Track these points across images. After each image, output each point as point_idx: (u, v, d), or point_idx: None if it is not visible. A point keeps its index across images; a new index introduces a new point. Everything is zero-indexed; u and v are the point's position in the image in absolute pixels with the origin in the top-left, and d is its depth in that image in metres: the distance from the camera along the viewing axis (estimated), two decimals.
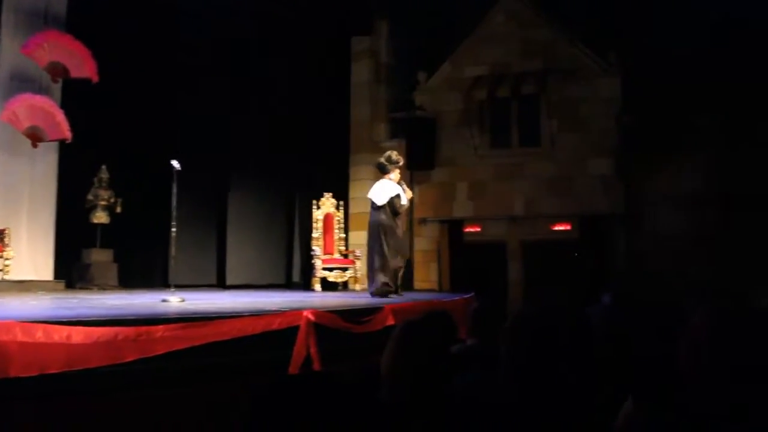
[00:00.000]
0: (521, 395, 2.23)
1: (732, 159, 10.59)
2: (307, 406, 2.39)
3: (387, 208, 8.38)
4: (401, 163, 8.74)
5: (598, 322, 3.64)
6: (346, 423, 2.33)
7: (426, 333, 2.16)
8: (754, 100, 10.24)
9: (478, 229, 12.23)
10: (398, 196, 8.39)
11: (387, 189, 8.46)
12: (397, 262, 8.37)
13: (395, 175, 8.57)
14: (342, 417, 2.45)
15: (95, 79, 9.42)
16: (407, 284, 11.34)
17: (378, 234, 8.34)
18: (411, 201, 9.18)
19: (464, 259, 12.23)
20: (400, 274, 8.56)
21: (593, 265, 11.20)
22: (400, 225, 8.52)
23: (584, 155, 11.55)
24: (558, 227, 11.65)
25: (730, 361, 1.48)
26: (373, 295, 8.23)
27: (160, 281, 10.90)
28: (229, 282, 11.17)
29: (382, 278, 8.20)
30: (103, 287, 9.49)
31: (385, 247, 8.25)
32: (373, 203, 8.51)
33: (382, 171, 8.72)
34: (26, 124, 9.17)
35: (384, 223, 8.33)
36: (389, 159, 8.66)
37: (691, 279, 9.81)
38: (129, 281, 10.36)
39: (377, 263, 8.27)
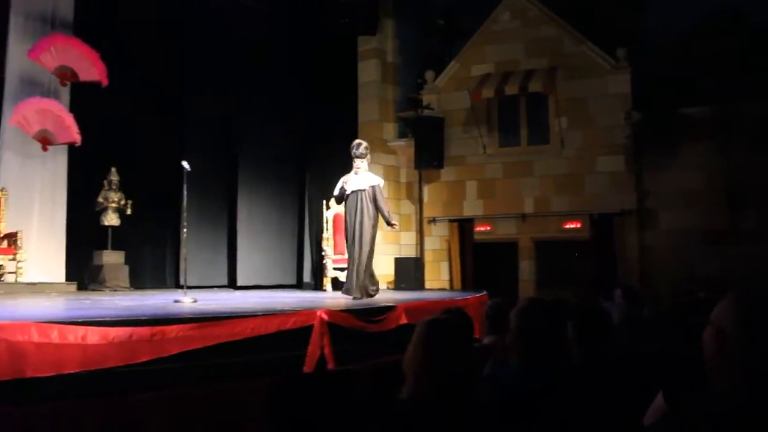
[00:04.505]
0: (534, 391, 2.22)
1: (739, 155, 10.53)
2: (326, 404, 2.38)
3: None
4: (353, 152, 8.04)
5: (615, 318, 3.64)
6: (367, 421, 2.32)
7: (452, 331, 2.14)
8: (761, 95, 10.19)
9: (488, 228, 12.19)
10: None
11: None
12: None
13: (356, 164, 8.02)
14: (362, 415, 2.45)
15: (105, 82, 9.43)
16: (419, 283, 11.33)
17: None
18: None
19: (475, 258, 12.19)
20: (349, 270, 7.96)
21: (604, 263, 11.15)
22: (348, 220, 7.98)
23: (594, 152, 11.52)
24: (569, 225, 11.60)
25: (759, 346, 1.44)
26: None
27: (170, 282, 10.94)
28: (240, 283, 11.16)
29: None
30: (115, 288, 9.50)
31: None
32: None
33: None
34: (36, 127, 9.19)
35: None
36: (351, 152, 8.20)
37: (701, 275, 9.76)
38: (140, 282, 10.37)
39: None
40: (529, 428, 2.03)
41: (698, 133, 10.77)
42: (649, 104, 11.06)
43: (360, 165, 7.98)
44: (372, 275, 7.91)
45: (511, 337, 2.37)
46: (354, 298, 7.55)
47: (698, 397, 1.49)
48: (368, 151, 8.13)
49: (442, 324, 2.15)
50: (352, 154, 8.01)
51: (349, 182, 7.92)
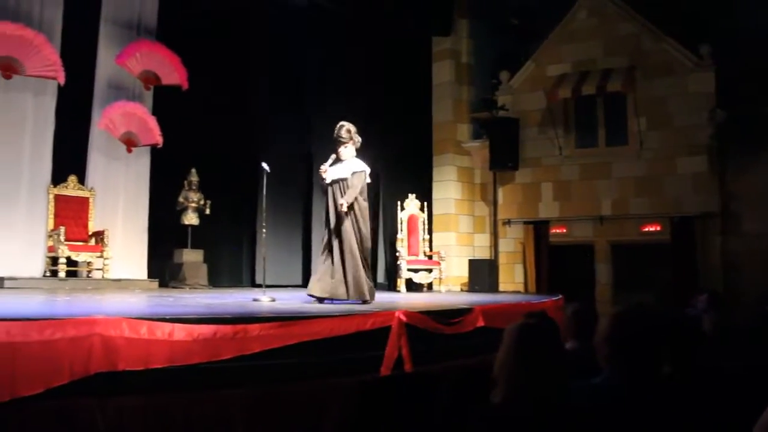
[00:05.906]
0: (626, 401, 2.17)
1: None
2: (407, 405, 2.38)
3: None
4: (334, 136, 6.98)
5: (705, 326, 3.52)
6: (452, 424, 2.31)
7: (543, 335, 2.11)
8: None
9: (564, 230, 11.97)
10: None
11: None
12: None
13: (338, 150, 6.94)
14: (445, 418, 2.44)
15: (185, 86, 9.75)
16: (492, 285, 11.23)
17: None
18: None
19: (550, 261, 11.99)
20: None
21: (684, 268, 10.78)
22: (327, 214, 6.92)
23: (674, 153, 11.14)
24: (648, 228, 11.27)
25: None
26: None
27: (246, 280, 11.19)
28: None
29: None
30: (195, 286, 9.78)
31: None
32: None
33: None
34: (121, 130, 9.57)
35: None
36: None
37: None
38: (217, 281, 10.65)
39: None
40: None
41: None
42: (735, 103, 10.62)
43: (342, 151, 6.88)
44: (367, 277, 6.71)
45: (602, 344, 2.31)
46: (337, 300, 6.49)
47: None
48: (351, 134, 6.94)
49: (533, 329, 2.12)
50: (334, 139, 6.95)
51: (329, 171, 6.84)
